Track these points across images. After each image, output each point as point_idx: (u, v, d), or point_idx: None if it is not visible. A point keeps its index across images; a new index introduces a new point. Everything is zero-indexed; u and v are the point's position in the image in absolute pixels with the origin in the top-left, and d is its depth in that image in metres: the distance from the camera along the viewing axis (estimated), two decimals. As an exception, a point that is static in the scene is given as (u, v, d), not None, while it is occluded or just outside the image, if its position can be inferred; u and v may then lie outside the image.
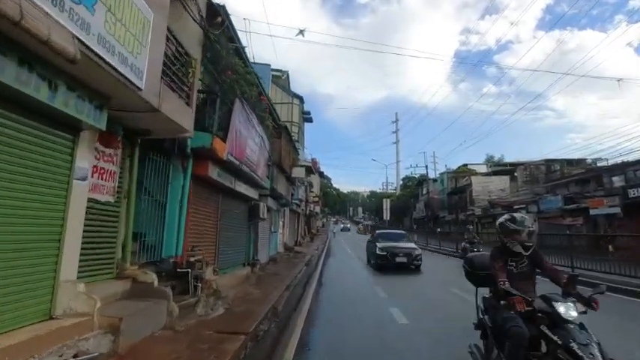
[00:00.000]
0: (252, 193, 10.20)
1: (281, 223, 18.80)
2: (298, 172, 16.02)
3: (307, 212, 34.58)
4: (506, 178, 46.32)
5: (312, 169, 25.72)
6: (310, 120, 26.67)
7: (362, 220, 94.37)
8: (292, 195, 21.25)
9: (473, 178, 47.70)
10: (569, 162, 42.63)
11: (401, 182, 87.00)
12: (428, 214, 61.23)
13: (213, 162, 6.86)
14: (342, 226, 72.81)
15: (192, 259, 6.11)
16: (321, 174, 55.50)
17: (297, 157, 17.56)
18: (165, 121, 4.60)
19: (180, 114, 4.87)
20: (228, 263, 9.07)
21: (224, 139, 6.76)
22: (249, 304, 6.50)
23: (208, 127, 6.34)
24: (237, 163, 7.51)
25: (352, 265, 16.48)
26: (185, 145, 6.16)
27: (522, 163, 47.62)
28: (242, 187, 9.11)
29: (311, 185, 37.58)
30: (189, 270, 5.84)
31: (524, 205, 33.17)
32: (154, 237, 5.89)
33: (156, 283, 4.90)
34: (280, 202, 15.89)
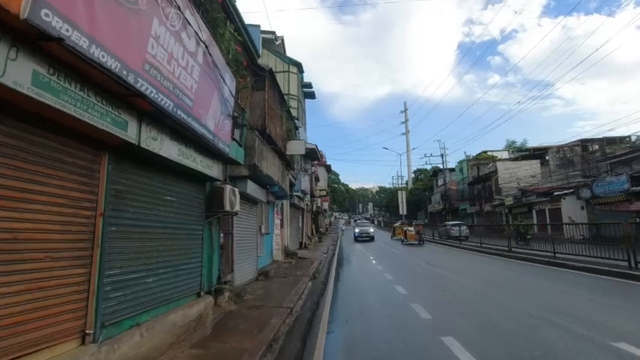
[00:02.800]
0: (203, 164, 5.57)
1: (277, 221, 14.19)
2: (296, 148, 11.38)
3: (314, 208, 29.93)
4: (536, 163, 41.19)
5: (317, 155, 21.04)
6: (312, 95, 21.93)
7: (373, 217, 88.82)
8: (292, 185, 16.62)
9: (498, 164, 42.54)
10: (611, 140, 37.43)
11: (412, 175, 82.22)
12: (445, 206, 56.18)
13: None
14: (357, 230, 31.96)
15: None
16: (328, 168, 50.95)
17: (294, 131, 12.87)
18: None
19: None
20: (145, 304, 4.46)
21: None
22: None
23: None
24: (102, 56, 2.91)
25: (375, 279, 11.80)
26: None
27: (545, 147, 42.49)
28: (171, 148, 4.49)
29: (317, 179, 32.91)
30: None
31: (570, 191, 28.10)
32: None
33: None
34: (273, 192, 11.26)
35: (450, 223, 30.21)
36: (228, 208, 6.35)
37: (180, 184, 5.44)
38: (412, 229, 26.60)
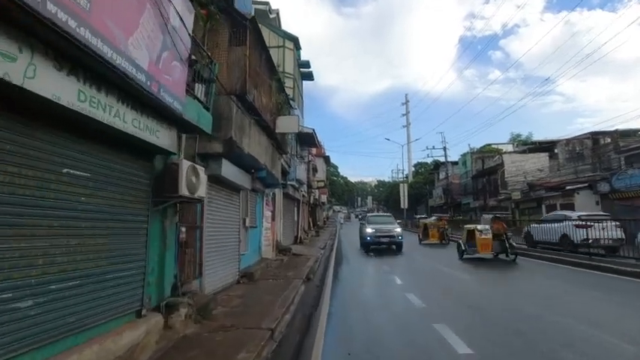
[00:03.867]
0: (139, 125, 3.76)
1: (268, 213, 12.41)
2: (287, 125, 9.51)
3: (311, 201, 28.17)
4: (544, 156, 39.40)
5: (314, 140, 19.13)
6: (310, 76, 19.94)
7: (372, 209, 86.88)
8: (286, 174, 14.82)
9: (505, 156, 40.70)
10: (624, 133, 35.64)
11: (412, 169, 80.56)
12: (447, 200, 54.49)
13: None
14: (370, 230, 16.06)
15: None
16: (327, 159, 49.10)
17: (287, 106, 10.99)
18: None
19: None
20: (23, 340, 2.67)
21: None
22: None
23: None
24: None
25: (381, 278, 10.06)
26: None
27: (553, 141, 40.66)
28: (59, 85, 2.67)
29: (315, 169, 31.08)
30: None
31: (585, 185, 26.40)
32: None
33: None
34: (260, 178, 9.47)
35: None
36: (184, 192, 4.54)
37: (104, 154, 3.63)
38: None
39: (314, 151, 30.76)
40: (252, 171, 8.41)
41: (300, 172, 17.15)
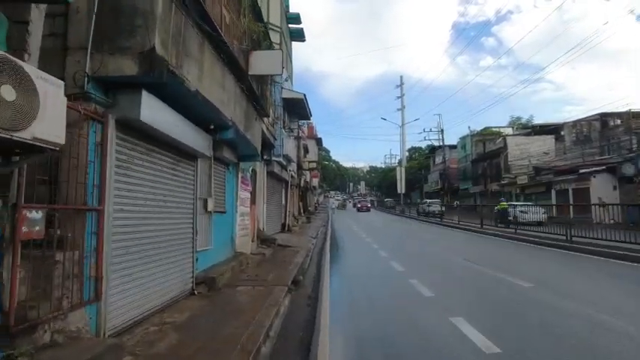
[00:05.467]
0: None
1: (246, 194, 9.60)
2: (267, 63, 6.60)
3: (302, 184, 25.38)
4: (550, 139, 37.08)
5: (305, 110, 16.02)
6: (301, 35, 16.52)
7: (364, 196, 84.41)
8: (270, 147, 11.97)
9: (508, 139, 38.25)
10: (636, 114, 33.43)
11: (406, 154, 78.32)
12: (444, 186, 52.24)
13: None
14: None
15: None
16: (318, 141, 46.16)
17: (267, 42, 8.00)
18: None
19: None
20: None
21: None
22: None
23: None
24: None
25: (402, 292, 7.49)
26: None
27: (554, 124, 38.40)
28: None
29: (306, 150, 28.15)
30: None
31: (602, 167, 24.10)
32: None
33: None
34: (226, 142, 6.65)
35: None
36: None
37: None
38: None
39: (305, 130, 27.84)
40: (212, 128, 5.57)
41: (289, 147, 14.29)
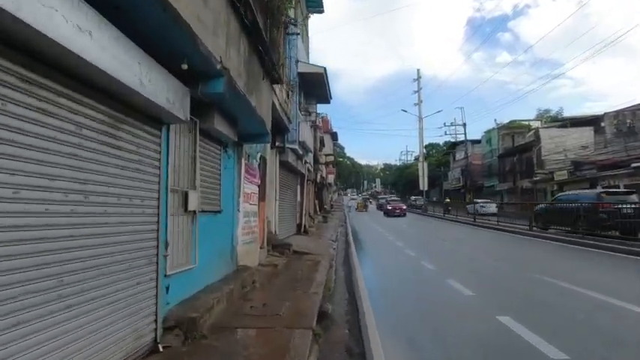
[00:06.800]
0: None
1: (252, 188, 7.29)
2: None
3: (318, 179, 23.05)
4: (588, 131, 33.78)
5: (325, 89, 13.41)
6: (319, 4, 14.20)
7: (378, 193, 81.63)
8: (284, 131, 9.67)
9: (542, 131, 35.02)
10: (691, 102, 29.91)
11: (424, 151, 75.42)
12: (466, 183, 49.12)
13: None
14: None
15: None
16: (334, 136, 43.72)
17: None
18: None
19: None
20: None
21: None
22: None
23: None
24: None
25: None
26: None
27: (588, 116, 34.99)
28: None
29: (322, 143, 25.75)
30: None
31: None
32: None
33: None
34: (218, 104, 4.34)
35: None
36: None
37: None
38: None
39: (320, 122, 25.47)
40: (186, 69, 3.24)
41: (306, 133, 11.94)
